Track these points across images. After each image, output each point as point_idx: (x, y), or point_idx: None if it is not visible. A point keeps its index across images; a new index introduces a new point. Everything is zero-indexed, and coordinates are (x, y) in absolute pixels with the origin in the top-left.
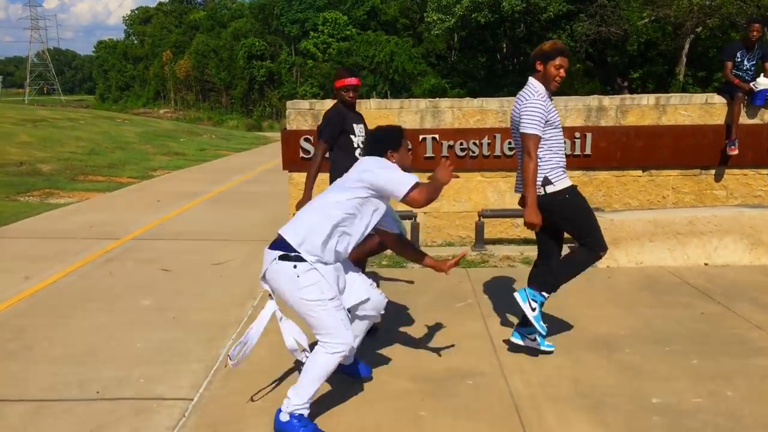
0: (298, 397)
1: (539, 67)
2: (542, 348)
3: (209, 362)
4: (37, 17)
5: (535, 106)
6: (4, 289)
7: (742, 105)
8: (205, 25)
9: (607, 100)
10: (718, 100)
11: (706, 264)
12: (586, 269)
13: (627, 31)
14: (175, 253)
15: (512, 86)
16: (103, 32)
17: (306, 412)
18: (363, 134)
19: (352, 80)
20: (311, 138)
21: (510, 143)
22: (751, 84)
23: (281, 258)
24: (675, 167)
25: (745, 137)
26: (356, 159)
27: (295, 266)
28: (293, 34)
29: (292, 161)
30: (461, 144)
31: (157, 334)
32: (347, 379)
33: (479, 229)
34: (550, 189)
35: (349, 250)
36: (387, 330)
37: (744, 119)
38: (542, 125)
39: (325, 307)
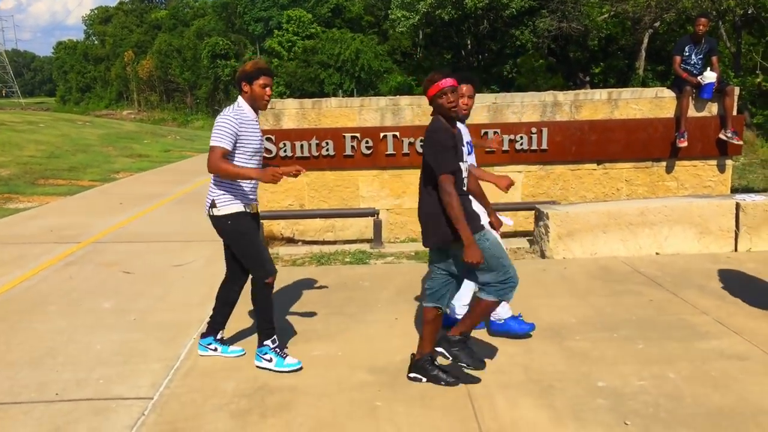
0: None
1: (246, 89)
2: (283, 369)
3: (170, 361)
4: None
5: (226, 119)
6: None
7: (690, 98)
8: (167, 25)
9: (561, 96)
10: (667, 93)
11: (657, 253)
12: (268, 300)
13: (587, 26)
14: (136, 255)
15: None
16: (62, 33)
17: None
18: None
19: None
20: (272, 137)
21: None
22: (698, 78)
23: None
24: (628, 160)
25: (693, 130)
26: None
27: None
28: (257, 32)
29: None
30: (421, 141)
31: (118, 336)
32: (308, 374)
33: None
34: (214, 212)
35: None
36: (347, 325)
37: (692, 112)
38: (230, 139)
39: None
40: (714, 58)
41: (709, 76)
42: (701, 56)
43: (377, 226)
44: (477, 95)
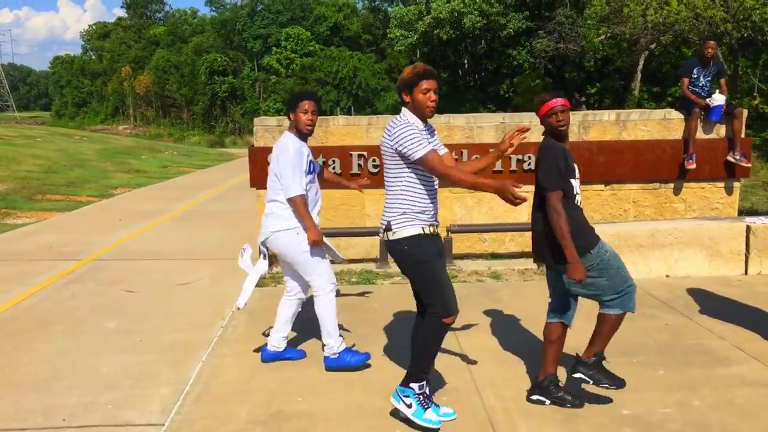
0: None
1: (407, 99)
2: (419, 421)
3: (179, 385)
4: None
5: (409, 127)
6: None
7: (698, 120)
8: (166, 41)
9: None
10: (675, 115)
11: (667, 275)
12: (438, 342)
13: (584, 47)
14: (139, 273)
15: (474, 101)
16: (59, 47)
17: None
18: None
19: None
20: None
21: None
22: (707, 100)
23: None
24: (636, 181)
25: (702, 151)
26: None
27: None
28: (256, 49)
29: (259, 178)
30: None
31: (124, 358)
32: (324, 399)
33: (447, 244)
34: (390, 236)
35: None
36: (360, 347)
37: (701, 134)
38: (427, 142)
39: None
40: (722, 81)
41: (718, 99)
42: (709, 78)
43: (381, 244)
44: (483, 114)
